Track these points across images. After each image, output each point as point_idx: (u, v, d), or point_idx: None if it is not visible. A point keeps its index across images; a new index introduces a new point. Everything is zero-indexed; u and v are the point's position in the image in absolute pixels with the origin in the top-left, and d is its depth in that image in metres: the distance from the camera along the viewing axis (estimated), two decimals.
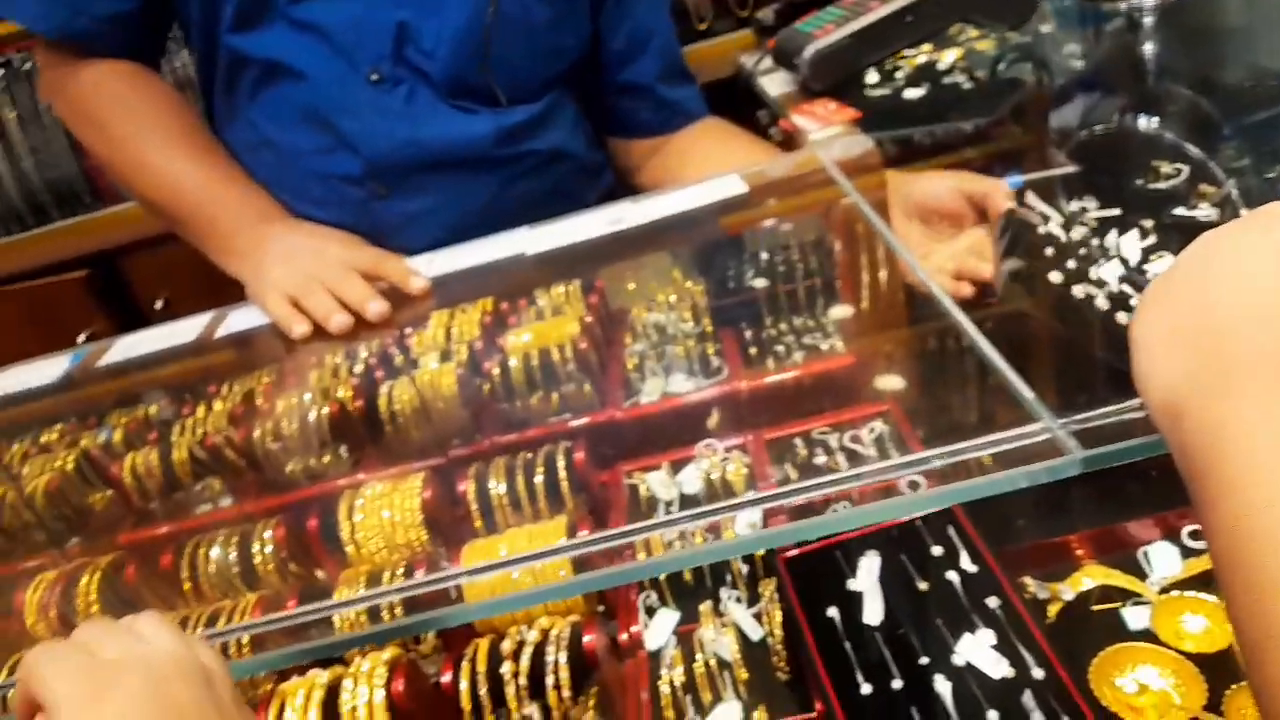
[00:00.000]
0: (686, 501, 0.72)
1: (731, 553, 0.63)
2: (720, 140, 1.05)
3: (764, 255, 0.89)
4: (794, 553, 0.63)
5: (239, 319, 0.92)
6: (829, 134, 0.92)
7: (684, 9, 1.48)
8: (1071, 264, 0.76)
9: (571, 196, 1.03)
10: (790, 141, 1.00)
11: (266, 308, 0.88)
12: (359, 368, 0.90)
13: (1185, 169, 0.85)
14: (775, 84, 1.13)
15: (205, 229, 0.95)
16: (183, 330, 0.92)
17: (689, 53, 1.44)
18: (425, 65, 0.93)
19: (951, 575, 0.60)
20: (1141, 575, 0.65)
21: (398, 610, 0.59)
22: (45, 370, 0.92)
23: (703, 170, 0.99)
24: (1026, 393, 0.50)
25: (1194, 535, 0.66)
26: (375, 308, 0.85)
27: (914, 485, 0.49)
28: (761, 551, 0.66)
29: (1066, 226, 0.76)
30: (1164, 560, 0.65)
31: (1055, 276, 0.75)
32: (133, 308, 1.44)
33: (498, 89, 0.96)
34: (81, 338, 1.24)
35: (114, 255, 1.44)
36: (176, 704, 0.35)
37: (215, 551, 0.70)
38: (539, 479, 0.72)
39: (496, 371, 0.84)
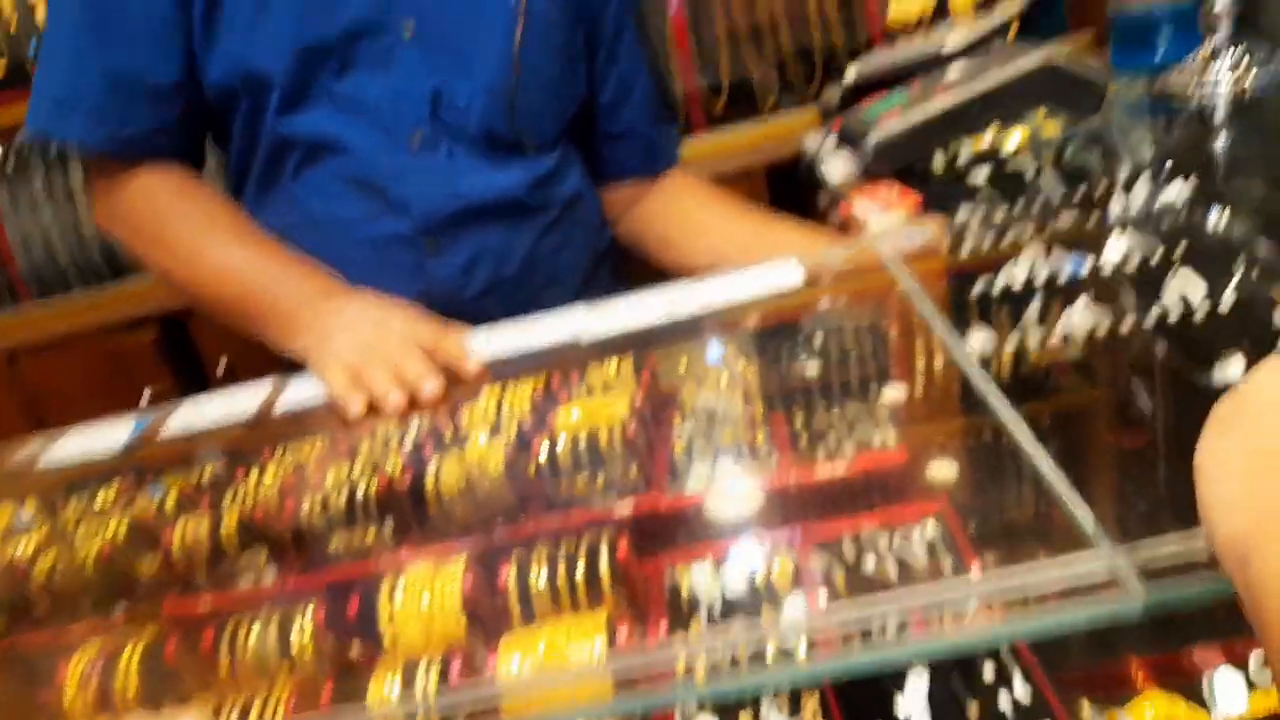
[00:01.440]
0: (729, 601, 0.70)
1: (780, 683, 0.61)
2: (698, 203, 1.15)
3: (818, 343, 0.88)
4: None
5: (299, 389, 0.93)
6: (888, 221, 0.91)
7: (750, 87, 1.49)
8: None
9: (592, 242, 1.13)
10: (848, 226, 0.99)
11: (326, 379, 0.89)
12: (409, 440, 0.90)
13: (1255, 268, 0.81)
14: (837, 165, 1.12)
15: (269, 311, 0.96)
16: (243, 399, 0.94)
17: (753, 131, 1.46)
18: (461, 122, 0.99)
19: (1004, 702, 0.57)
20: (1203, 704, 0.61)
21: (432, 713, 0.58)
22: (109, 435, 0.93)
23: (682, 231, 1.11)
24: (1086, 521, 0.48)
25: (1265, 664, 0.62)
26: (430, 388, 0.86)
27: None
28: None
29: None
30: (1229, 690, 0.61)
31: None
32: (198, 367, 1.48)
33: (525, 140, 1.04)
34: (146, 393, 1.27)
35: (184, 315, 1.49)
36: None
37: (254, 634, 0.70)
38: (580, 570, 0.70)
39: (544, 451, 0.84)
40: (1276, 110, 0.99)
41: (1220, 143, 0.96)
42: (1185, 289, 0.78)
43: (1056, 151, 1.06)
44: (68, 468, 0.95)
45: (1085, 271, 0.84)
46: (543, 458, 0.83)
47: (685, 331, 0.95)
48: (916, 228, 0.88)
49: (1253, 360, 0.72)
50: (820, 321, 0.90)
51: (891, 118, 1.01)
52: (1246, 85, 1.00)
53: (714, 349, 0.94)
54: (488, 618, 0.71)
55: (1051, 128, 1.15)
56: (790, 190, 1.33)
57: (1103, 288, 0.82)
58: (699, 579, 0.71)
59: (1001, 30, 1.20)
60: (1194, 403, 0.77)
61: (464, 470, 0.84)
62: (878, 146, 0.99)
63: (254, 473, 0.91)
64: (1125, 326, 0.77)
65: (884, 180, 1.02)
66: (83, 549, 0.83)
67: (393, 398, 0.85)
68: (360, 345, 0.89)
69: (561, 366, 0.96)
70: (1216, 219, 0.86)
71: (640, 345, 0.95)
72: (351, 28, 0.95)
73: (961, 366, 0.70)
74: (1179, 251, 0.82)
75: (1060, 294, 0.82)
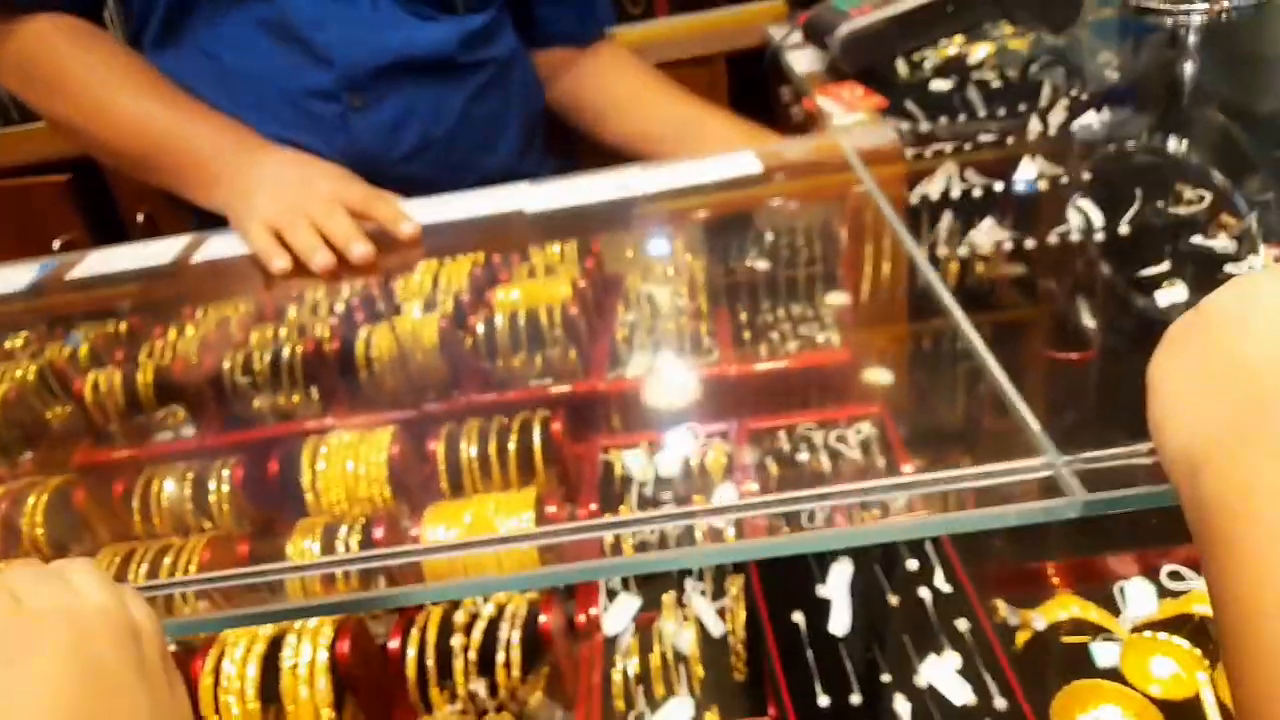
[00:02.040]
0: (661, 484, 0.70)
1: (704, 560, 0.61)
2: (633, 77, 1.12)
3: (769, 237, 0.86)
4: None
5: (219, 245, 0.88)
6: (853, 120, 0.89)
7: None
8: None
9: (526, 108, 1.08)
10: (812, 122, 0.97)
11: (248, 237, 0.85)
12: (339, 308, 0.87)
13: (1208, 196, 0.82)
14: (802, 61, 1.09)
15: (183, 163, 0.90)
16: (160, 250, 0.89)
17: (718, 18, 1.41)
18: None
19: (924, 592, 0.58)
20: (1115, 611, 0.63)
21: (351, 575, 0.56)
22: (12, 277, 0.88)
23: (615, 104, 1.09)
24: (1033, 423, 0.48)
25: (1173, 576, 0.64)
26: (359, 250, 0.82)
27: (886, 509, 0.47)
28: None
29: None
30: (1139, 598, 0.63)
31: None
32: (113, 218, 1.40)
33: None
34: (57, 244, 1.20)
35: (98, 161, 1.40)
36: (100, 663, 0.33)
37: (170, 485, 0.67)
38: (512, 445, 0.69)
39: (481, 327, 0.82)
40: (1251, 34, 0.98)
41: (1188, 66, 0.95)
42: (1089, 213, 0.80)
43: (1022, 67, 1.05)
44: None
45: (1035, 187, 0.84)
46: (479, 333, 0.81)
47: (634, 218, 0.92)
48: (878, 129, 0.86)
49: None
50: (773, 216, 0.88)
51: (862, 13, 0.98)
52: (1224, 4, 0.99)
53: (662, 236, 0.92)
54: (414, 488, 0.70)
55: (1019, 44, 1.13)
56: (751, 81, 1.29)
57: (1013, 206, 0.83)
58: (632, 463, 0.71)
59: None
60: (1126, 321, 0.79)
61: (396, 341, 0.82)
62: (845, 41, 0.96)
63: (172, 327, 0.87)
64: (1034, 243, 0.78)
65: (848, 79, 0.99)
66: None
67: (319, 256, 0.82)
68: (284, 202, 0.85)
69: (503, 244, 0.93)
70: (1174, 145, 0.86)
71: (586, 229, 0.92)
72: None
73: (921, 269, 0.69)
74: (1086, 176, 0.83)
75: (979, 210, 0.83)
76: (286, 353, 0.80)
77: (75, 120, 0.93)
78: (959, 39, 1.09)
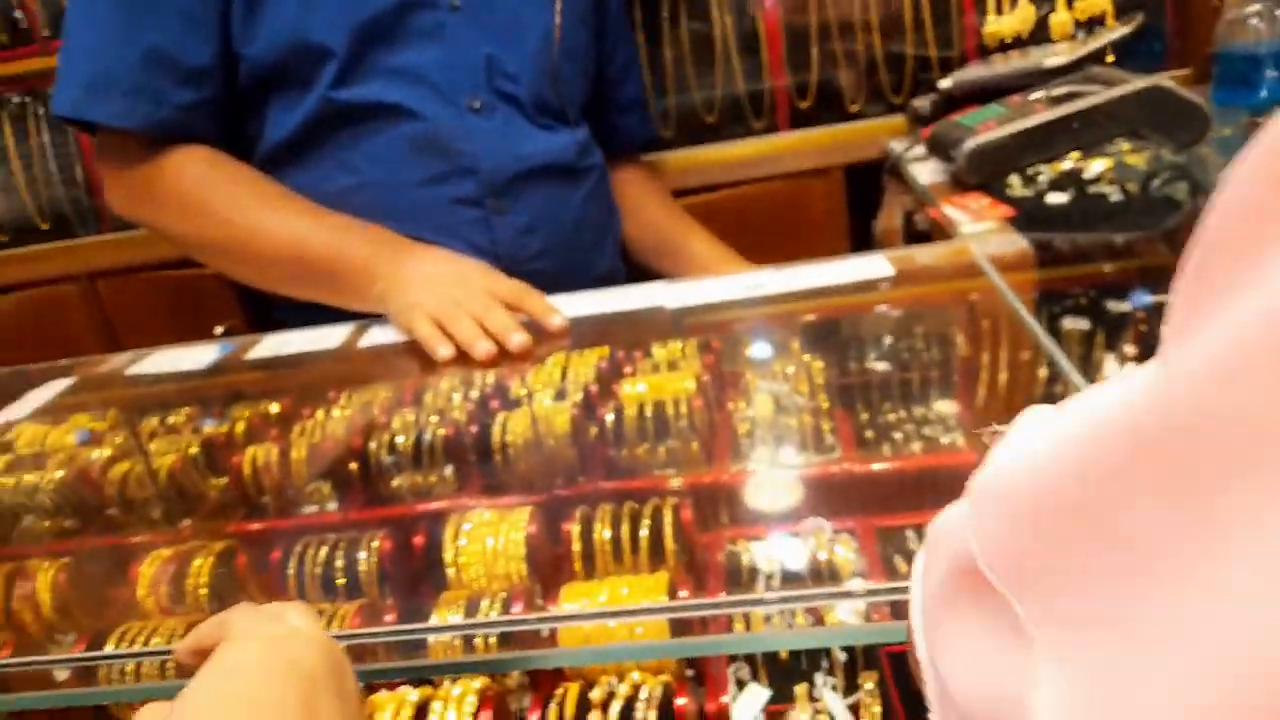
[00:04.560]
0: (788, 578, 0.70)
1: (834, 641, 0.62)
2: (637, 184, 1.26)
3: (896, 338, 0.88)
4: (899, 648, 0.61)
5: (378, 334, 0.94)
6: (982, 228, 0.91)
7: (837, 90, 1.49)
8: None
9: (613, 209, 1.19)
10: (937, 231, 0.99)
11: (412, 328, 0.90)
12: (474, 394, 0.92)
13: None
14: (925, 173, 1.12)
15: (339, 271, 0.96)
16: (327, 336, 0.96)
17: (836, 132, 1.47)
18: (513, 90, 1.04)
19: None
20: None
21: (492, 642, 0.59)
22: (196, 356, 0.96)
23: (637, 215, 1.22)
24: None
25: None
26: (518, 339, 0.87)
27: None
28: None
29: None
30: None
31: None
32: (267, 309, 1.49)
33: (567, 108, 1.10)
34: (218, 330, 1.29)
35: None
36: (312, 680, 0.36)
37: (322, 554, 0.71)
38: (644, 531, 0.71)
39: (610, 417, 0.85)
40: None
41: None
42: None
43: (1142, 181, 1.06)
44: (148, 384, 0.97)
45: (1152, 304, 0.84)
46: (608, 422, 0.84)
47: (758, 317, 0.95)
48: (1009, 236, 0.88)
49: None
50: (902, 317, 0.90)
51: (988, 129, 1.01)
52: None
53: (787, 335, 0.95)
54: (549, 567, 0.72)
55: (1137, 159, 1.14)
56: (872, 191, 1.32)
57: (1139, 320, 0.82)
58: (759, 554, 0.72)
59: (1100, 55, 1.19)
60: None
61: (530, 427, 0.85)
62: (972, 154, 0.98)
63: (322, 410, 0.92)
64: None
65: (971, 191, 1.02)
66: (156, 462, 0.85)
67: (481, 345, 0.87)
68: (443, 297, 0.90)
69: (626, 342, 0.97)
70: None
71: (714, 326, 0.96)
72: (401, 1, 0.97)
73: (1064, 373, 0.69)
74: None
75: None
76: (429, 435, 0.85)
77: (225, 243, 0.98)
78: (1075, 154, 1.11)
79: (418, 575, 0.72)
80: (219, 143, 1.00)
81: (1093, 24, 1.45)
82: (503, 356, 0.87)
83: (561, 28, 1.07)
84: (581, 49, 1.12)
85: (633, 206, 1.23)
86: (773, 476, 0.81)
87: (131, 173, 0.98)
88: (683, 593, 0.66)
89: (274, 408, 0.93)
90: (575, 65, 1.11)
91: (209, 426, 0.93)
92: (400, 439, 0.86)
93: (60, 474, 0.85)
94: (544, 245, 1.06)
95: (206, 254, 1.02)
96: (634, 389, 0.90)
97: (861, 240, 1.42)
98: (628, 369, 0.95)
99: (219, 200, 0.97)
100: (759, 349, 0.98)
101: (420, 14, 0.99)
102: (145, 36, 0.93)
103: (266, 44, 0.96)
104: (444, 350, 0.87)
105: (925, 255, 0.90)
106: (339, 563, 0.71)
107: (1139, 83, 0.94)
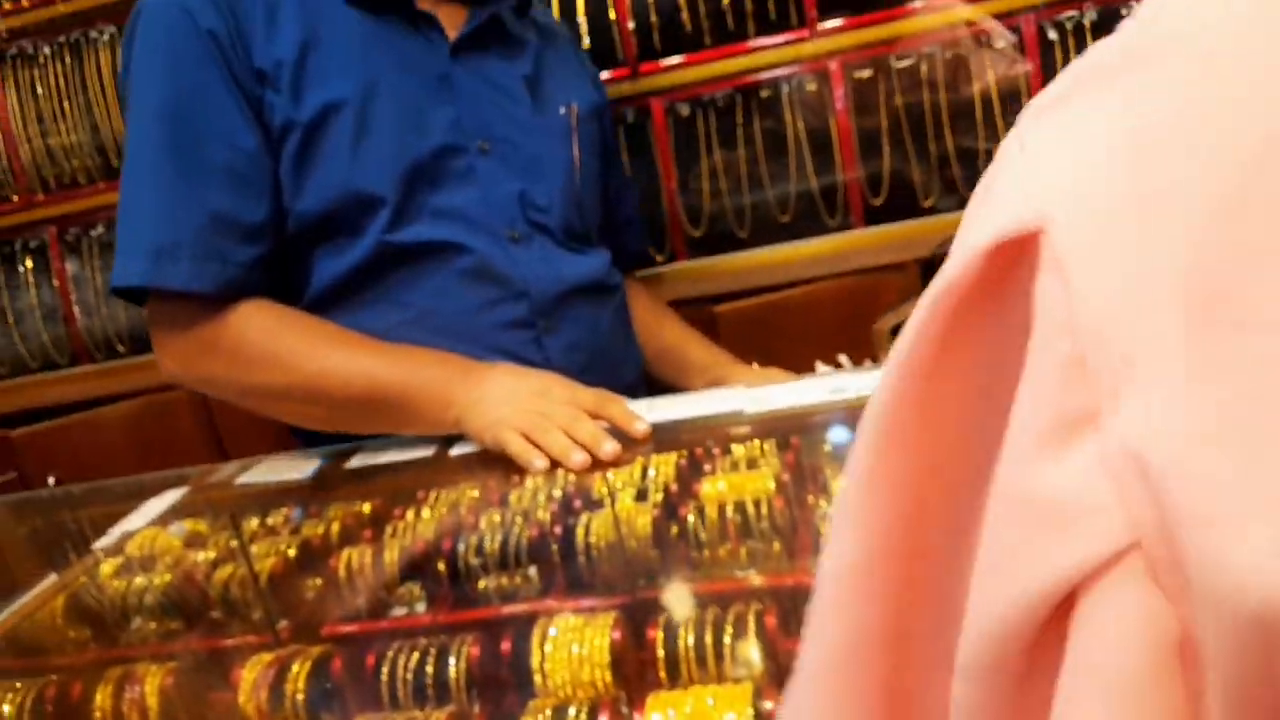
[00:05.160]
0: None
1: None
2: (639, 299, 1.32)
3: None
4: None
5: (468, 446, 0.97)
6: None
7: (910, 185, 1.52)
8: None
9: (631, 323, 1.26)
10: None
11: (502, 444, 0.91)
12: (557, 493, 0.94)
13: None
14: None
15: (417, 400, 0.97)
16: (418, 446, 0.99)
17: (912, 228, 1.48)
18: (544, 220, 1.11)
19: None
20: None
21: None
22: (299, 466, 1.00)
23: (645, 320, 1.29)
24: None
25: None
26: (609, 448, 0.89)
27: None
28: None
29: None
30: None
31: None
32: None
33: (590, 231, 1.19)
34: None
35: None
36: None
37: (414, 660, 0.73)
38: (727, 638, 0.72)
39: (691, 517, 0.86)
40: None
41: None
42: None
43: None
44: (257, 490, 1.02)
45: None
46: (689, 523, 0.85)
47: (837, 418, 0.95)
48: None
49: None
50: None
51: None
52: None
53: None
54: (634, 675, 0.72)
55: None
56: None
57: None
58: None
59: None
60: None
61: (612, 528, 0.87)
62: None
63: (411, 512, 0.96)
64: None
65: None
66: (257, 565, 0.89)
67: (575, 457, 0.88)
68: (529, 412, 0.92)
69: (706, 441, 0.98)
70: None
71: (790, 428, 0.96)
72: (439, 146, 1.04)
73: None
74: None
75: None
76: (514, 537, 0.87)
77: (295, 390, 0.98)
78: None
79: (505, 682, 0.73)
80: (271, 293, 1.03)
81: None
82: (596, 465, 0.89)
83: (580, 159, 1.15)
84: (596, 176, 1.21)
85: (636, 316, 1.29)
86: None
87: (192, 334, 0.99)
88: (768, 704, 0.66)
89: (366, 508, 0.96)
90: (593, 192, 1.20)
91: (307, 528, 0.97)
92: (486, 539, 0.88)
93: (167, 577, 0.89)
94: (588, 360, 1.10)
95: (278, 404, 1.03)
96: (714, 487, 0.91)
97: None
98: (707, 467, 0.96)
99: (285, 349, 0.98)
100: (838, 445, 0.99)
101: (455, 158, 1.05)
102: (206, 199, 0.96)
103: (316, 197, 1.01)
104: (539, 463, 0.88)
105: None
106: (429, 668, 0.73)
107: None
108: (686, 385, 1.26)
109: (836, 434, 0.97)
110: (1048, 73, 1.47)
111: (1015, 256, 0.23)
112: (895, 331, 1.22)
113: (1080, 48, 1.46)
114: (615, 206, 1.32)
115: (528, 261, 1.08)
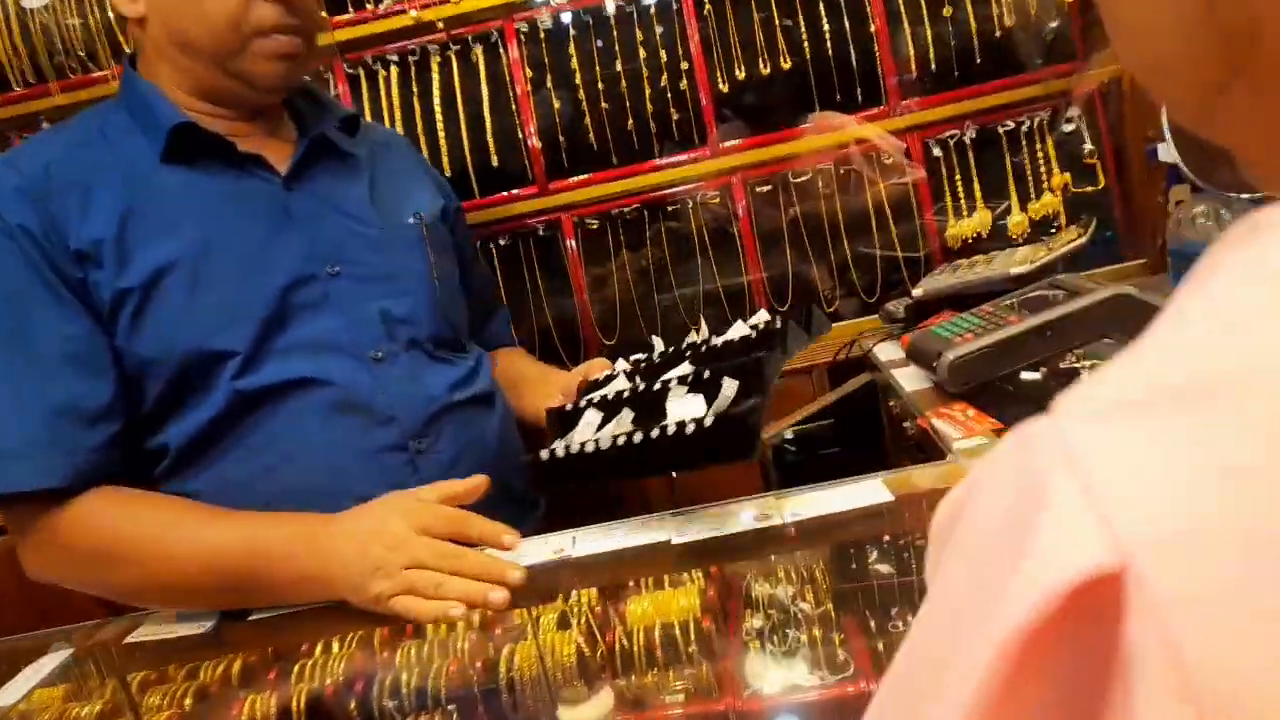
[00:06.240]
0: None
1: None
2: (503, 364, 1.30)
3: (901, 557, 0.89)
4: None
5: None
6: (975, 443, 0.93)
7: (812, 289, 1.57)
8: None
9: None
10: (927, 439, 1.01)
11: (404, 615, 0.86)
12: (476, 618, 0.90)
13: None
14: (908, 379, 1.16)
15: (268, 575, 0.92)
16: None
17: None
18: (410, 334, 1.08)
19: None
20: None
21: None
22: (193, 621, 0.95)
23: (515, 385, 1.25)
24: None
25: None
26: (516, 575, 0.86)
27: None
28: None
29: None
30: None
31: None
32: None
33: (459, 336, 1.17)
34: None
35: None
36: None
37: None
38: None
39: (619, 644, 0.84)
40: None
41: None
42: None
43: None
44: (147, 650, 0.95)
45: None
46: (617, 648, 0.83)
47: (765, 542, 0.94)
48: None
49: None
50: (904, 536, 0.91)
51: (964, 340, 1.05)
52: None
53: (789, 558, 0.95)
54: None
55: None
56: (853, 395, 1.37)
57: None
58: None
59: (1062, 258, 1.26)
60: None
61: (538, 659, 0.84)
62: (953, 365, 1.02)
63: (319, 650, 0.90)
64: None
65: (956, 400, 1.05)
66: (151, 718, 0.82)
67: (494, 595, 0.85)
68: (400, 570, 0.87)
69: (634, 567, 0.96)
70: None
71: (716, 553, 0.95)
72: (289, 281, 1.01)
73: None
74: None
75: None
76: (431, 674, 0.83)
77: (147, 583, 0.94)
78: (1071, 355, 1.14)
79: None
80: (129, 466, 0.98)
81: (1047, 222, 1.54)
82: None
83: (436, 266, 1.13)
84: (453, 276, 1.20)
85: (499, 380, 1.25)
86: (788, 698, 0.79)
87: (45, 535, 0.94)
88: None
89: (269, 647, 0.90)
90: (453, 295, 1.19)
91: (205, 671, 0.91)
92: (403, 677, 0.83)
93: None
94: (470, 473, 1.01)
95: (142, 598, 0.98)
96: (639, 608, 0.89)
97: None
98: (632, 590, 0.94)
99: (128, 544, 0.93)
100: (767, 573, 0.98)
101: (306, 288, 1.02)
102: (46, 393, 0.92)
103: (160, 360, 0.97)
104: (455, 610, 0.84)
105: (922, 478, 0.92)
106: None
107: (1104, 291, 0.99)
108: (529, 405, 1.21)
109: (766, 559, 0.96)
110: (934, 186, 1.56)
111: (1094, 595, 0.21)
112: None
113: (962, 162, 1.55)
114: (479, 300, 1.31)
115: (393, 383, 1.05)
